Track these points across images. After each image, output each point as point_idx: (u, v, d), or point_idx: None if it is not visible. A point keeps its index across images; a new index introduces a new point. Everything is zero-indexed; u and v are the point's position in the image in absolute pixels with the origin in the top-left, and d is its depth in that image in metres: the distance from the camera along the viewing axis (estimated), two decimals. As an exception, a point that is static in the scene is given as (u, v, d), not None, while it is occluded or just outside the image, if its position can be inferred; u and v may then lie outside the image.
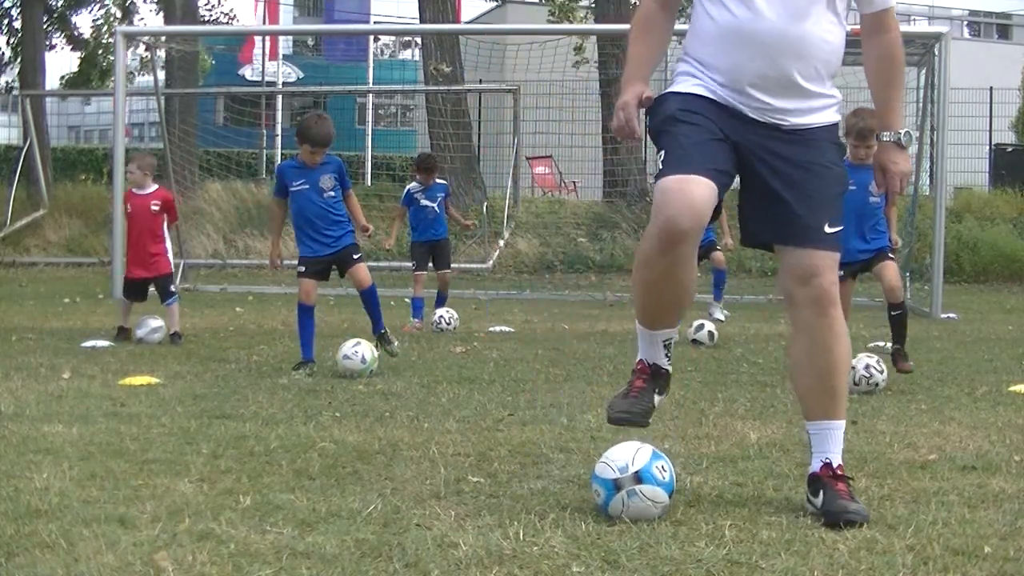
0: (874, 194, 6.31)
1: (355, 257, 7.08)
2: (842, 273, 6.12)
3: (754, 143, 3.31)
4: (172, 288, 8.72)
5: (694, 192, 3.14)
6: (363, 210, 7.36)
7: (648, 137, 3.47)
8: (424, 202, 10.00)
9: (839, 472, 3.30)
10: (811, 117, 3.35)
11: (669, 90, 3.43)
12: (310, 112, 7.22)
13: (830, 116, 3.40)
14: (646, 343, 3.50)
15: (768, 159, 3.31)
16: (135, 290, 8.68)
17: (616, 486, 3.15)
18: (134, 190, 8.73)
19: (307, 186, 6.96)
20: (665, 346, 3.49)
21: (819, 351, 3.30)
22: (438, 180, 10.24)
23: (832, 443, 3.36)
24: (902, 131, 3.42)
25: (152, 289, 8.78)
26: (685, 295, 3.39)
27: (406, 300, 10.98)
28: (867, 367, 6.04)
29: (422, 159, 10.50)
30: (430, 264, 10.18)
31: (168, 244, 8.76)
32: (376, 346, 6.91)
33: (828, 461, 3.32)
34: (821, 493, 3.24)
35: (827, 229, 3.30)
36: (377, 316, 7.14)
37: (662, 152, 3.26)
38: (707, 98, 3.32)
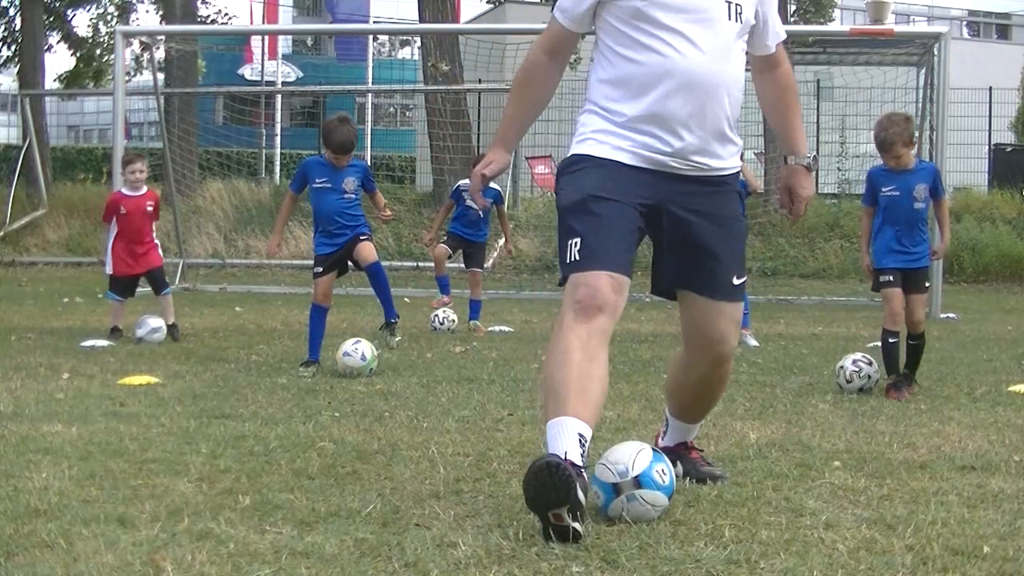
0: (919, 199, 6.15)
1: (362, 236, 7.08)
2: (891, 278, 6.13)
3: (675, 199, 3.29)
4: (166, 279, 8.89)
5: (607, 288, 3.12)
6: (363, 211, 7.38)
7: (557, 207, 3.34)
8: (470, 203, 9.90)
9: (691, 444, 3.82)
10: (728, 162, 3.38)
11: (582, 151, 3.30)
12: (335, 115, 7.23)
13: (737, 161, 3.44)
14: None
15: (686, 215, 3.30)
16: (126, 287, 8.73)
17: (615, 490, 3.13)
18: (126, 192, 8.71)
19: (329, 185, 7.01)
20: (580, 441, 2.98)
21: (705, 390, 3.62)
22: (492, 186, 10.11)
23: (690, 433, 3.83)
24: (810, 155, 3.54)
25: (147, 288, 8.82)
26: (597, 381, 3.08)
27: (405, 300, 10.97)
28: (855, 362, 6.07)
29: (477, 161, 10.36)
30: (457, 263, 10.13)
31: (155, 237, 8.82)
32: (381, 328, 6.89)
33: (684, 441, 3.79)
34: (679, 463, 3.65)
35: (735, 281, 3.41)
36: (388, 300, 7.12)
37: (576, 240, 3.16)
38: (626, 166, 3.24)
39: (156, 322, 8.48)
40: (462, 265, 10.32)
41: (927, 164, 6.54)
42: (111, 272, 8.70)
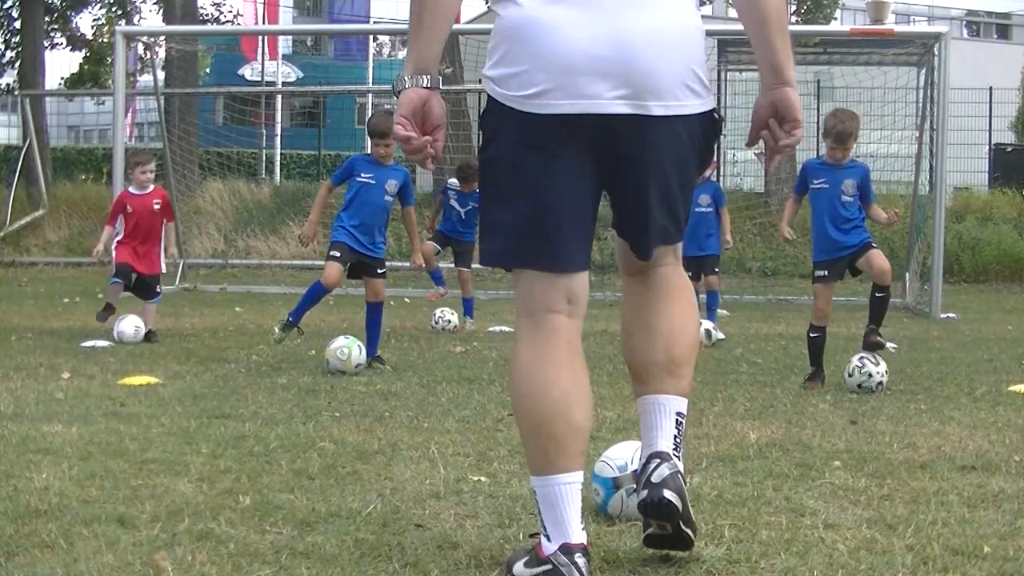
0: (847, 193, 6.37)
1: (380, 272, 7.26)
2: (826, 273, 6.40)
3: None
4: (158, 288, 8.82)
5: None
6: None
7: None
8: (453, 202, 9.95)
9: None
10: None
11: None
12: (376, 111, 7.46)
13: None
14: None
15: None
16: (124, 272, 8.56)
17: (615, 485, 3.15)
18: (133, 190, 8.74)
19: (374, 181, 7.15)
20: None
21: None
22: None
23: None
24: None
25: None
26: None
27: (406, 300, 10.97)
28: (860, 358, 6.17)
29: (460, 168, 10.26)
30: (446, 263, 10.16)
31: (162, 247, 8.79)
32: (368, 364, 6.92)
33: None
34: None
35: None
36: (375, 338, 7.20)
37: None
38: None
39: (135, 320, 8.45)
40: (453, 265, 10.34)
41: (859, 163, 6.69)
42: (116, 260, 8.60)
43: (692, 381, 2.90)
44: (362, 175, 7.17)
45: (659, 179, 2.67)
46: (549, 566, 2.53)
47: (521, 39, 2.56)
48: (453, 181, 10.06)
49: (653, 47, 2.56)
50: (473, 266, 10.31)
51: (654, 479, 2.66)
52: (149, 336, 8.50)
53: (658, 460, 2.70)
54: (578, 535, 2.56)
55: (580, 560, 2.52)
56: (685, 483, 2.73)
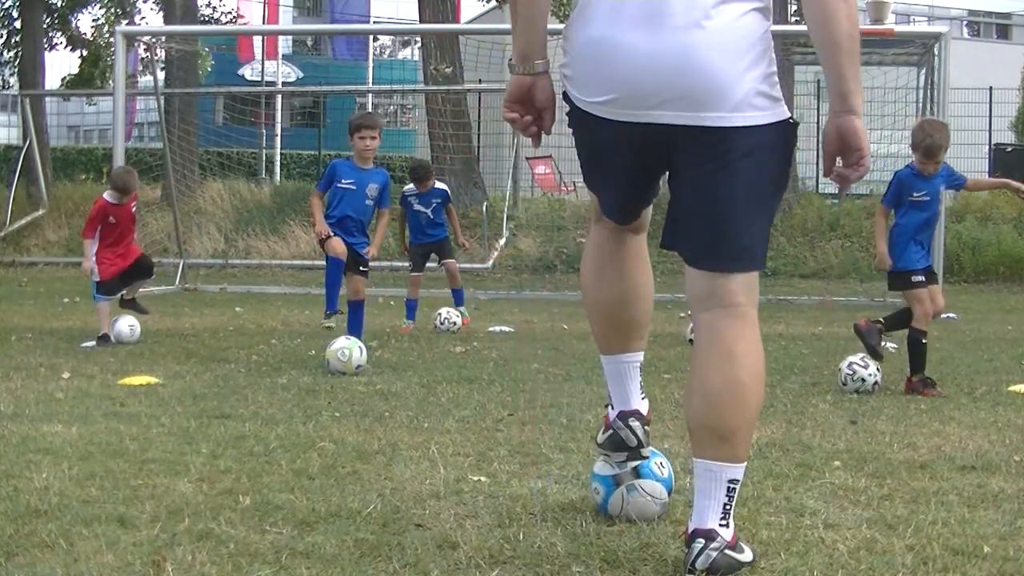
0: (942, 202, 6.48)
1: (362, 269, 7.42)
2: (923, 279, 6.37)
3: None
4: (152, 263, 8.83)
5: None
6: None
7: None
8: (417, 207, 9.89)
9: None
10: None
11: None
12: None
13: None
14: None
15: None
16: (113, 286, 8.43)
17: (615, 481, 3.15)
18: (109, 199, 8.32)
19: (355, 187, 7.32)
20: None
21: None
22: (438, 186, 10.08)
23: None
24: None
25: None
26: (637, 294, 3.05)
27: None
28: (850, 364, 6.12)
29: (413, 169, 10.32)
30: (432, 263, 10.17)
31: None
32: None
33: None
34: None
35: None
36: (357, 330, 7.25)
37: None
38: None
39: (130, 320, 8.44)
40: (435, 265, 10.32)
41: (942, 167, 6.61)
42: (99, 279, 8.33)
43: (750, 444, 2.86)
44: (343, 181, 7.32)
45: (726, 188, 2.66)
46: (610, 432, 3.05)
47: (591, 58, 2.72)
48: (410, 187, 10.04)
49: (708, 60, 2.59)
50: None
51: (700, 565, 2.60)
52: (133, 304, 8.53)
53: (703, 541, 2.64)
54: (636, 403, 3.04)
55: (635, 424, 3.01)
56: (733, 547, 2.66)
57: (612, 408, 3.11)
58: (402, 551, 2.82)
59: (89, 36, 24.42)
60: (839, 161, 2.68)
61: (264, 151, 24.68)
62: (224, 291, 14.68)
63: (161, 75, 19.73)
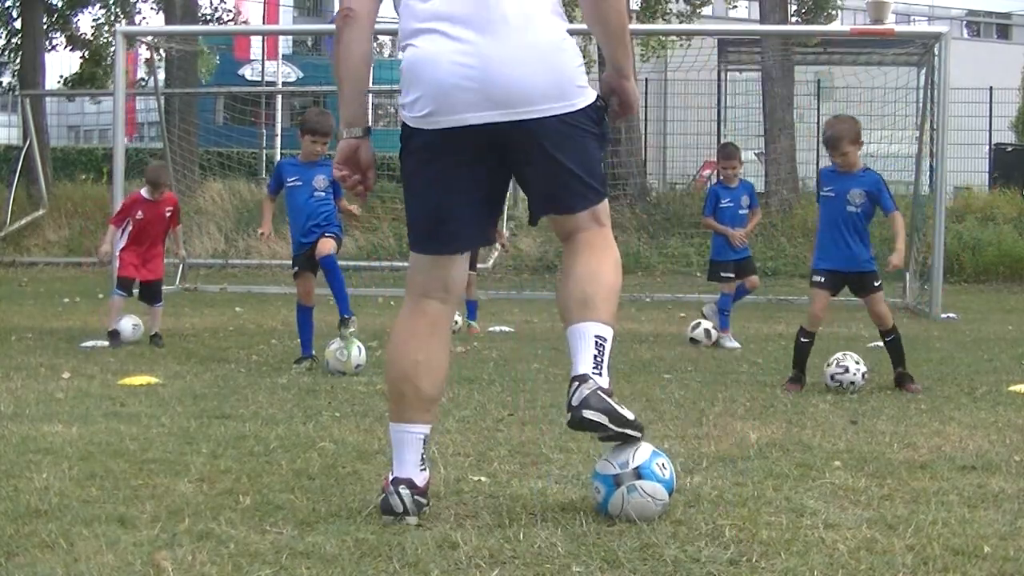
0: (853, 203, 6.18)
1: (327, 234, 7.10)
2: (823, 280, 6.22)
3: None
4: (162, 291, 8.70)
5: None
6: (362, 211, 7.41)
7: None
8: None
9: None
10: None
11: None
12: (311, 107, 7.36)
13: None
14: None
15: None
16: (130, 286, 8.43)
17: (616, 482, 3.15)
18: (146, 195, 8.38)
19: (300, 183, 7.10)
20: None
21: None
22: None
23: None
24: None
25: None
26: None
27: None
28: (832, 377, 6.11)
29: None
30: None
31: (164, 249, 8.69)
32: (338, 326, 6.90)
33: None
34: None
35: None
36: (341, 297, 7.10)
37: None
38: None
39: (133, 319, 8.41)
40: None
41: (871, 172, 6.40)
42: (119, 272, 8.38)
43: (614, 315, 3.17)
44: (289, 179, 7.14)
45: (551, 162, 3.12)
46: (384, 495, 3.14)
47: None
48: None
49: (512, 66, 3.05)
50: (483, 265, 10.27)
51: (574, 401, 3.00)
52: (155, 340, 8.28)
53: (577, 383, 3.02)
54: (408, 472, 3.15)
55: (404, 491, 3.10)
56: (609, 394, 3.02)
57: (392, 473, 3.21)
58: (402, 551, 2.82)
59: (89, 36, 24.43)
60: (614, 102, 3.37)
61: (264, 151, 24.66)
62: (224, 291, 14.69)
63: (161, 75, 19.73)
